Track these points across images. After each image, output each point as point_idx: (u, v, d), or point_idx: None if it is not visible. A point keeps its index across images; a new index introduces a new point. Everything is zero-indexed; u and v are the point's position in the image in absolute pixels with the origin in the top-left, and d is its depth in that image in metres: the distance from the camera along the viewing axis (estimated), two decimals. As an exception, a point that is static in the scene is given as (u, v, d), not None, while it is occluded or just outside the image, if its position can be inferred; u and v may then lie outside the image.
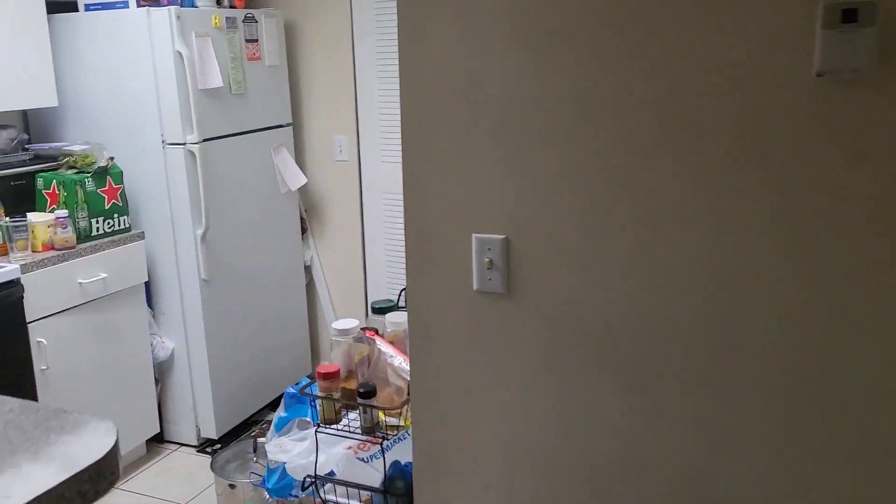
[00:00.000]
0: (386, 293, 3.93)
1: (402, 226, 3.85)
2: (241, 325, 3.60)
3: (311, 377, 4.11)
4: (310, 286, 4.10)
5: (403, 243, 3.87)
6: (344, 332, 2.01)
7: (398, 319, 2.08)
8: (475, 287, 1.65)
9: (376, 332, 2.10)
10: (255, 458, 2.92)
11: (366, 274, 4.00)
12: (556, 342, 1.62)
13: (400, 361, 1.92)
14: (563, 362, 1.62)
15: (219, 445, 3.47)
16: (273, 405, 3.85)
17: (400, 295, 3.79)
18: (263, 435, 3.63)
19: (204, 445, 3.52)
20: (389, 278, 3.91)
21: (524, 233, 1.60)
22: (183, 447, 3.52)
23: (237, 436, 3.60)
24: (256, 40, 3.56)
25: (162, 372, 3.47)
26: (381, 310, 2.14)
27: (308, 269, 4.08)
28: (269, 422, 3.78)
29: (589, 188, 1.52)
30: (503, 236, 1.61)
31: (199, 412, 3.48)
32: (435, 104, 1.62)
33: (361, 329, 2.08)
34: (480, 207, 1.63)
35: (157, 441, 3.51)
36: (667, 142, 1.44)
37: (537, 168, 1.56)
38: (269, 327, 3.78)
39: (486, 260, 1.63)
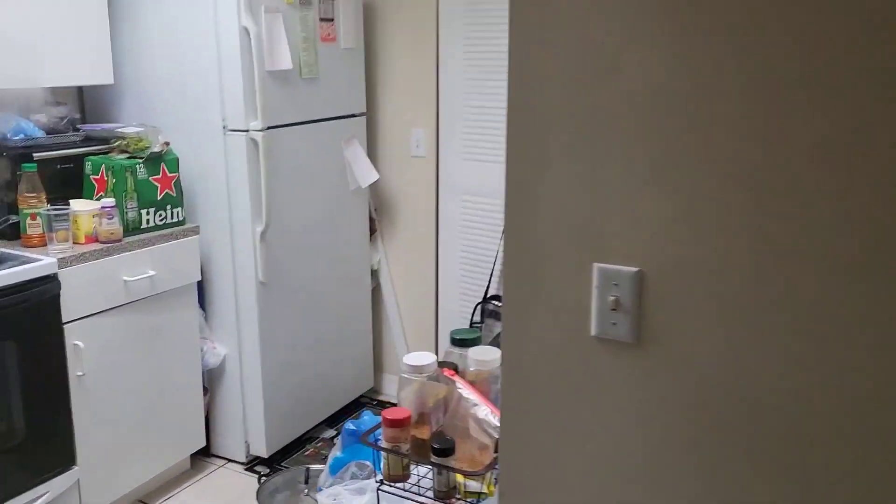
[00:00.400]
0: (459, 305, 3.55)
1: (483, 231, 3.44)
2: (299, 332, 3.27)
3: (372, 397, 3.77)
4: (376, 292, 3.76)
5: (483, 251, 3.46)
6: (417, 370, 1.63)
7: (485, 357, 1.69)
8: (593, 332, 1.26)
9: (455, 369, 1.72)
10: (306, 490, 2.59)
11: (438, 282, 3.63)
12: (699, 413, 1.21)
13: (486, 413, 1.54)
14: (707, 440, 1.21)
15: (267, 470, 3.15)
16: (330, 421, 3.53)
17: (475, 310, 3.42)
18: (316, 456, 3.31)
19: (253, 463, 3.20)
20: (464, 289, 3.53)
21: (667, 266, 1.20)
22: (230, 463, 3.21)
23: (289, 454, 3.27)
24: (332, 20, 3.21)
25: (211, 380, 3.17)
26: (462, 342, 1.76)
27: (375, 274, 3.73)
28: (325, 440, 3.46)
29: (766, 214, 1.10)
30: (636, 269, 1.21)
31: (249, 426, 3.16)
32: (554, 92, 1.22)
33: (439, 364, 1.70)
34: (607, 229, 1.23)
35: (203, 454, 3.21)
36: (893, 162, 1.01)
37: (692, 182, 1.15)
38: (329, 336, 3.44)
39: (611, 298, 1.23)
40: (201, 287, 3.05)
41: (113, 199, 2.65)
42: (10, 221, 2.48)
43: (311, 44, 3.10)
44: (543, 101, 1.23)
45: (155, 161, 2.78)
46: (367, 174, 3.45)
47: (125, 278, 2.66)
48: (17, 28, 2.59)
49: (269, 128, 2.93)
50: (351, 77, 3.39)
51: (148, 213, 2.78)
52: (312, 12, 3.09)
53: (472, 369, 1.69)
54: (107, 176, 2.73)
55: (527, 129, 1.26)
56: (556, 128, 1.23)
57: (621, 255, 1.23)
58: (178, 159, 2.86)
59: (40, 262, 2.41)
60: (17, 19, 2.59)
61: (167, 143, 2.83)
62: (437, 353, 3.68)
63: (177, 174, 2.85)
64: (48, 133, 2.78)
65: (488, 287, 3.36)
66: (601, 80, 1.18)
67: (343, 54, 3.30)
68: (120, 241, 2.66)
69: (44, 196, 2.57)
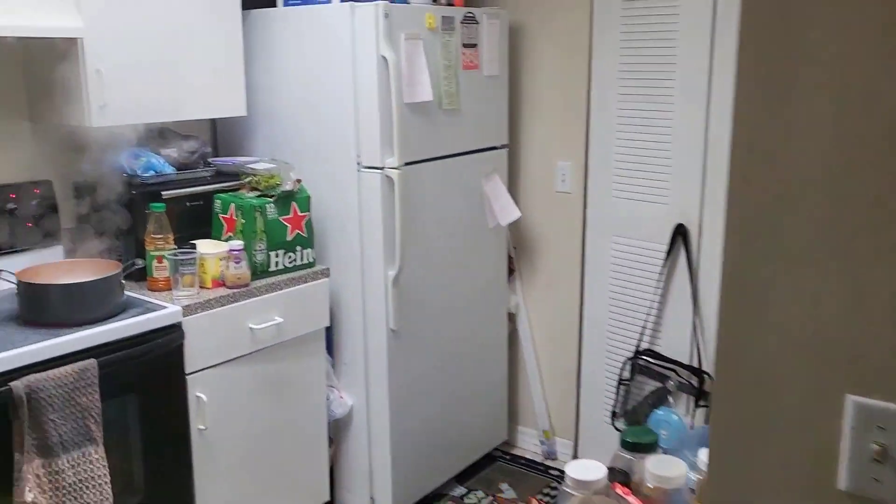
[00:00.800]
0: (605, 357, 3.21)
1: (635, 277, 3.08)
2: (430, 381, 3.02)
3: (505, 451, 3.48)
4: (512, 338, 3.47)
5: (634, 299, 3.10)
6: (582, 486, 1.33)
7: (666, 472, 1.37)
8: (843, 485, 0.93)
9: (627, 479, 1.41)
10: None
11: (582, 331, 3.30)
12: None
13: (673, 555, 1.22)
14: None
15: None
16: (460, 478, 3.26)
17: (625, 365, 3.07)
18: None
19: (377, 521, 2.98)
20: (612, 340, 3.19)
21: (963, 410, 0.85)
22: (354, 520, 3.00)
23: (416, 513, 3.03)
24: (475, 45, 2.96)
25: (337, 431, 2.97)
26: (636, 446, 1.45)
27: (512, 318, 3.44)
28: (454, 499, 3.20)
29: None
30: (915, 409, 0.87)
31: (376, 481, 2.94)
32: (805, 167, 0.90)
33: (608, 471, 1.39)
34: (871, 350, 0.89)
35: (326, 508, 3.02)
36: None
37: None
38: (461, 385, 3.18)
39: (874, 446, 0.90)
40: (329, 333, 2.86)
41: (241, 242, 2.49)
42: (137, 266, 2.36)
43: (452, 72, 2.86)
44: (787, 177, 0.91)
45: (286, 199, 2.61)
46: (507, 211, 3.18)
47: (251, 326, 2.49)
48: (156, 62, 2.49)
49: (405, 164, 2.70)
50: (493, 107, 3.13)
51: (277, 256, 2.60)
52: (455, 38, 2.86)
53: (649, 484, 1.37)
54: (236, 215, 2.58)
55: (759, 213, 0.94)
56: (803, 213, 0.91)
57: (891, 388, 0.89)
58: (309, 198, 2.68)
59: (165, 311, 2.26)
60: (155, 53, 2.48)
61: (299, 181, 2.65)
62: (577, 414, 3.37)
63: (308, 214, 2.67)
64: (178, 168, 2.66)
65: (640, 340, 3.01)
66: (881, 154, 0.85)
67: (486, 82, 3.05)
68: (247, 285, 2.49)
69: (171, 237, 2.44)
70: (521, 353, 3.48)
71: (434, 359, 3.02)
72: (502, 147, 3.21)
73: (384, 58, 2.59)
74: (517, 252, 3.43)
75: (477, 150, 3.07)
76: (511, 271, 3.40)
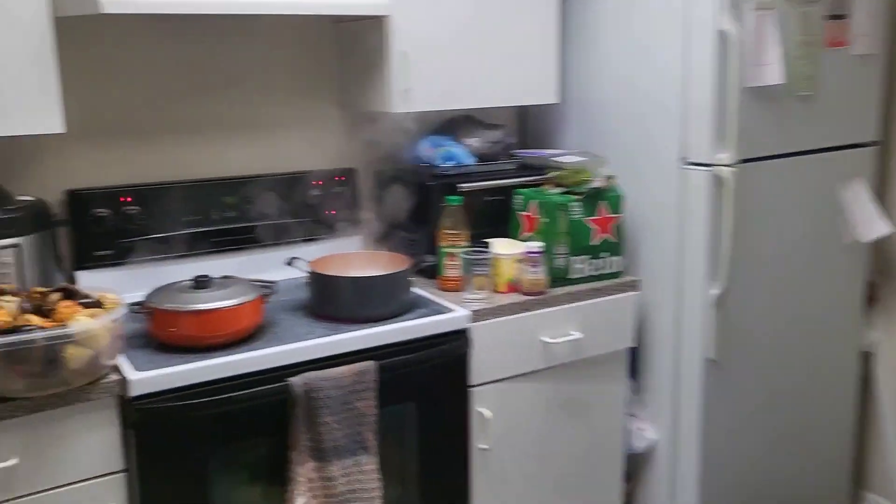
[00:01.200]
0: None
1: None
2: (752, 426, 2.51)
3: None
4: (866, 382, 2.80)
5: None
6: None
7: None
8: None
9: None
10: None
11: (966, 385, 2.56)
12: None
13: None
14: None
15: None
16: (783, 545, 2.69)
17: None
18: None
19: (676, 580, 2.54)
20: None
21: None
22: (648, 572, 2.59)
23: (725, 579, 2.54)
24: (844, 17, 2.38)
25: (635, 467, 2.58)
26: None
27: (867, 358, 2.78)
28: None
29: None
30: None
31: (677, 532, 2.51)
32: None
33: None
34: None
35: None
36: None
37: None
38: (791, 435, 2.62)
39: None
40: (632, 355, 2.48)
41: (541, 243, 2.20)
42: (427, 263, 2.18)
43: (812, 50, 2.31)
44: None
45: (593, 198, 2.28)
46: (870, 225, 2.55)
47: (545, 339, 2.20)
48: (464, 43, 2.31)
49: (741, 161, 2.23)
50: (862, 94, 2.51)
51: (579, 262, 2.28)
52: (818, 7, 2.30)
53: None
54: (538, 213, 2.30)
55: None
56: None
57: None
58: (621, 198, 2.32)
59: (452, 315, 2.05)
60: (463, 33, 2.30)
61: (610, 177, 2.30)
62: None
63: (619, 216, 2.31)
64: (480, 159, 2.45)
65: None
66: None
67: (854, 63, 2.45)
68: (543, 293, 2.21)
69: (465, 234, 2.22)
70: (875, 401, 2.80)
71: (760, 399, 2.51)
72: (870, 144, 2.58)
73: (724, 32, 2.14)
74: (882, 277, 2.75)
75: (835, 148, 2.49)
76: (871, 300, 2.74)
